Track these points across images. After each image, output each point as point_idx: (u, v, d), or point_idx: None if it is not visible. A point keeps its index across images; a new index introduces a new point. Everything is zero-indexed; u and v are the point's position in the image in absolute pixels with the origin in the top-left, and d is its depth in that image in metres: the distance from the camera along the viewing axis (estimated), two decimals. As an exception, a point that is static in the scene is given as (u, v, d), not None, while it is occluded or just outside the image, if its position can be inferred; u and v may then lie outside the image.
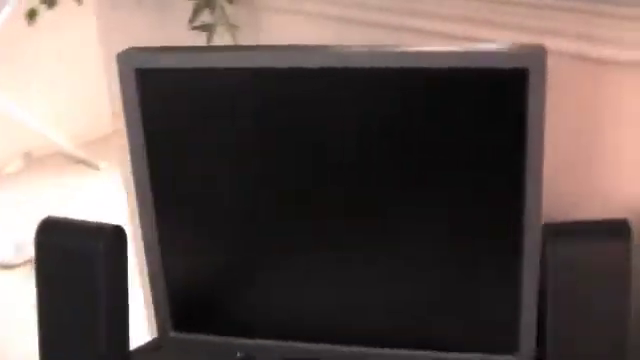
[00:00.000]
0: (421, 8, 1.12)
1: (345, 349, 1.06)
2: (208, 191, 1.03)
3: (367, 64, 0.91)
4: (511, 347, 1.00)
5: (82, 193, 3.11)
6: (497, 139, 0.92)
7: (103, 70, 1.77)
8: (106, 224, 1.07)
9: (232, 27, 1.40)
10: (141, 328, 1.47)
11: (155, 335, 1.19)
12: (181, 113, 0.99)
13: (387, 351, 1.05)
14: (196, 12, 1.39)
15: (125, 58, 0.97)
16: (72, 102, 3.37)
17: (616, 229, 0.99)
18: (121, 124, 1.01)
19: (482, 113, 0.91)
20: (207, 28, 1.43)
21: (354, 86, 0.93)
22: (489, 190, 0.94)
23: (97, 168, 3.35)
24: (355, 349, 1.06)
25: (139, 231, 1.06)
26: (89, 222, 1.10)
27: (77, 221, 1.10)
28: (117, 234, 1.07)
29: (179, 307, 1.09)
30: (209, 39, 1.40)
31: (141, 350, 1.21)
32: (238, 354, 1.19)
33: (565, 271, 0.98)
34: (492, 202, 0.95)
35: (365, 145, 0.95)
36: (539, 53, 0.88)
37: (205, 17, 1.42)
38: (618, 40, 0.98)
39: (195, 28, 1.43)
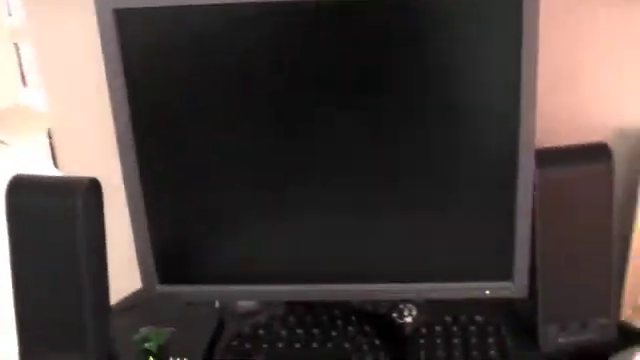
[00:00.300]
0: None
1: (335, 287, 1.06)
2: (190, 136, 0.99)
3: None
4: (505, 274, 1.02)
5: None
6: (492, 63, 0.93)
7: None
8: (81, 178, 1.02)
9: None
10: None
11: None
12: (161, 52, 0.95)
13: (379, 286, 1.05)
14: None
15: (102, -1, 0.93)
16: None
17: (598, 153, 1.02)
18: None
19: (477, 38, 0.91)
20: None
21: (348, 16, 0.91)
22: (484, 116, 0.95)
23: (2, 143, 3.21)
24: (344, 286, 1.06)
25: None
26: (62, 177, 1.05)
27: (49, 177, 1.04)
28: (94, 187, 1.02)
29: (164, 261, 1.05)
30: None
31: (118, 309, 1.17)
32: (217, 304, 1.17)
33: (553, 195, 1.00)
34: (487, 127, 0.95)
35: (361, 73, 0.94)
36: (533, -24, 0.88)
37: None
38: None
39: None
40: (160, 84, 0.97)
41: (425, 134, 0.96)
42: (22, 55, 3.85)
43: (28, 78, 3.86)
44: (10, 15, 3.79)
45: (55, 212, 1.00)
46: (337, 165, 0.99)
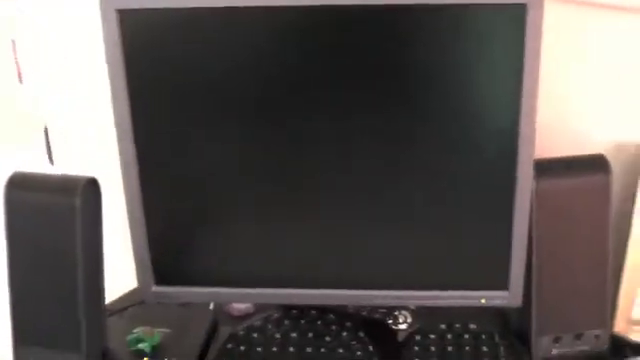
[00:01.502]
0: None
1: (331, 292, 1.06)
2: (190, 138, 0.99)
3: (375, 1, 0.90)
4: (501, 283, 1.02)
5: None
6: (494, 74, 0.93)
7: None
8: (80, 177, 1.02)
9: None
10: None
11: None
12: (164, 53, 0.95)
13: (374, 292, 1.05)
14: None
15: (106, -1, 0.93)
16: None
17: (596, 164, 1.02)
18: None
19: (479, 50, 0.92)
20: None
21: (352, 24, 0.92)
22: (484, 126, 0.95)
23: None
24: (340, 292, 1.06)
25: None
26: (61, 176, 1.04)
27: (48, 175, 1.04)
28: (92, 187, 1.02)
29: (161, 261, 1.05)
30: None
31: (112, 308, 1.17)
32: (211, 306, 1.17)
33: (550, 205, 1.01)
34: (486, 138, 0.96)
35: (365, 82, 0.94)
36: (537, -12, 0.89)
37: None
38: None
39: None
40: (162, 84, 0.96)
41: (424, 144, 0.97)
42: (18, 52, 3.84)
43: (24, 75, 3.85)
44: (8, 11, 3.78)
45: (53, 210, 1.00)
46: (335, 173, 0.99)
